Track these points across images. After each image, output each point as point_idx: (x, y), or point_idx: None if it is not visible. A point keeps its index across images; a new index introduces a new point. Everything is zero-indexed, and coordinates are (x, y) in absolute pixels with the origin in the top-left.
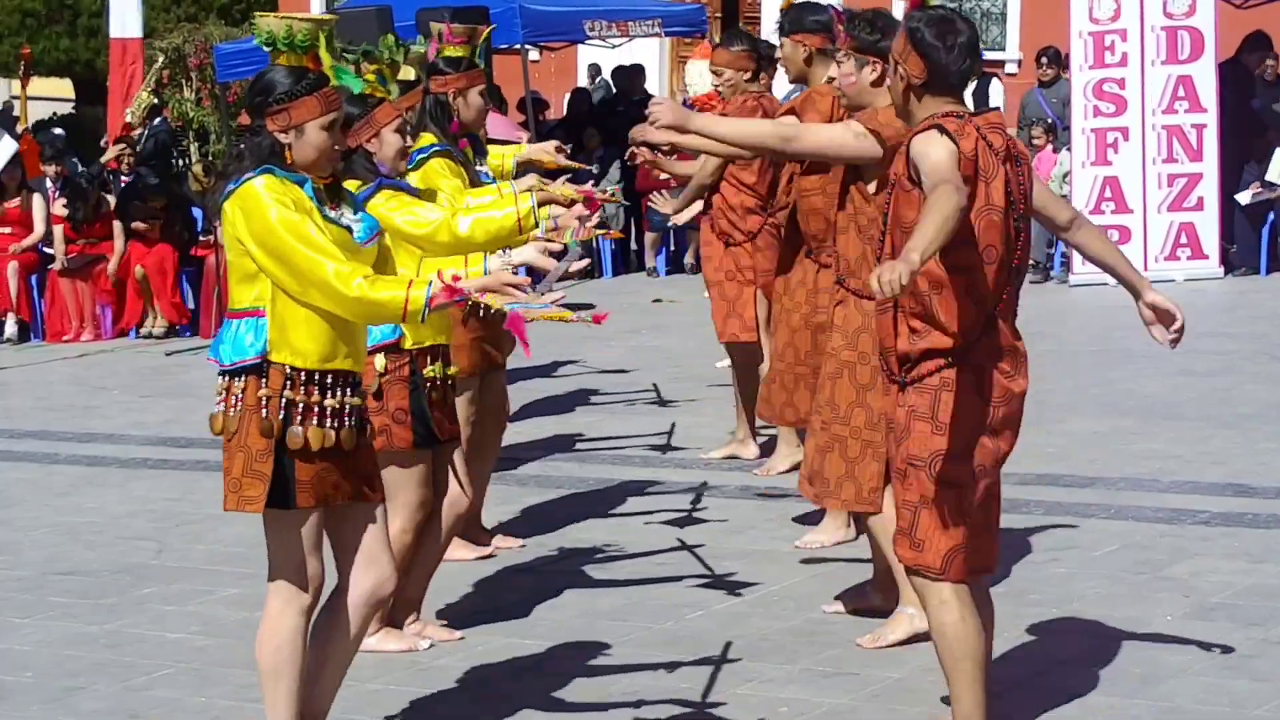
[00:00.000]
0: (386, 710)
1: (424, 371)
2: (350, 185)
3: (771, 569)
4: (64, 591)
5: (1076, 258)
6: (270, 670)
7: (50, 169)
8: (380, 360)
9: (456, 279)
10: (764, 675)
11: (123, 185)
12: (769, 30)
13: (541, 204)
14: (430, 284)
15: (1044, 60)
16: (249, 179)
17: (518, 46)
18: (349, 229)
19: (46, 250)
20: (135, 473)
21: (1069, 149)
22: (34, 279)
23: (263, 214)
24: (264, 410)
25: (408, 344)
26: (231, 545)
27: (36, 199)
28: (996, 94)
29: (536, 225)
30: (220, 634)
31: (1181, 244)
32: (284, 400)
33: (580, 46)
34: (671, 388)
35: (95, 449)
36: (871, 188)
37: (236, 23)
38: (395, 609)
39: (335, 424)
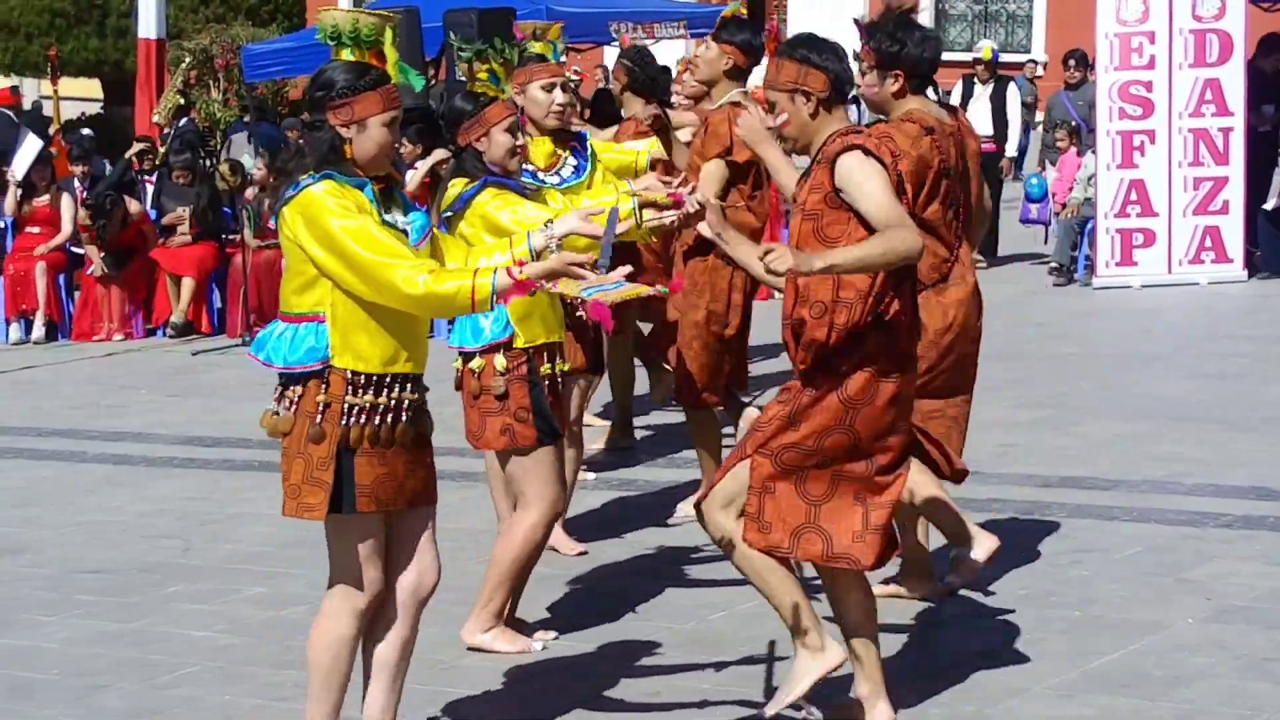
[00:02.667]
0: (408, 709)
1: (540, 369)
2: (459, 183)
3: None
4: (89, 590)
5: (1101, 260)
6: (318, 668)
7: (78, 169)
8: (500, 360)
9: (520, 263)
10: (785, 675)
11: (156, 179)
12: (795, 32)
13: (643, 206)
14: (495, 271)
15: (1071, 62)
16: (308, 185)
17: None
18: (405, 232)
19: (75, 250)
20: (161, 472)
21: (1094, 151)
22: (62, 279)
23: (324, 220)
24: (319, 417)
25: (520, 343)
26: (256, 544)
27: (65, 199)
28: (1013, 97)
29: (639, 226)
30: (244, 633)
31: (1206, 247)
32: (345, 405)
33: (606, 48)
34: None
35: (121, 448)
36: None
37: (264, 24)
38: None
39: (390, 420)
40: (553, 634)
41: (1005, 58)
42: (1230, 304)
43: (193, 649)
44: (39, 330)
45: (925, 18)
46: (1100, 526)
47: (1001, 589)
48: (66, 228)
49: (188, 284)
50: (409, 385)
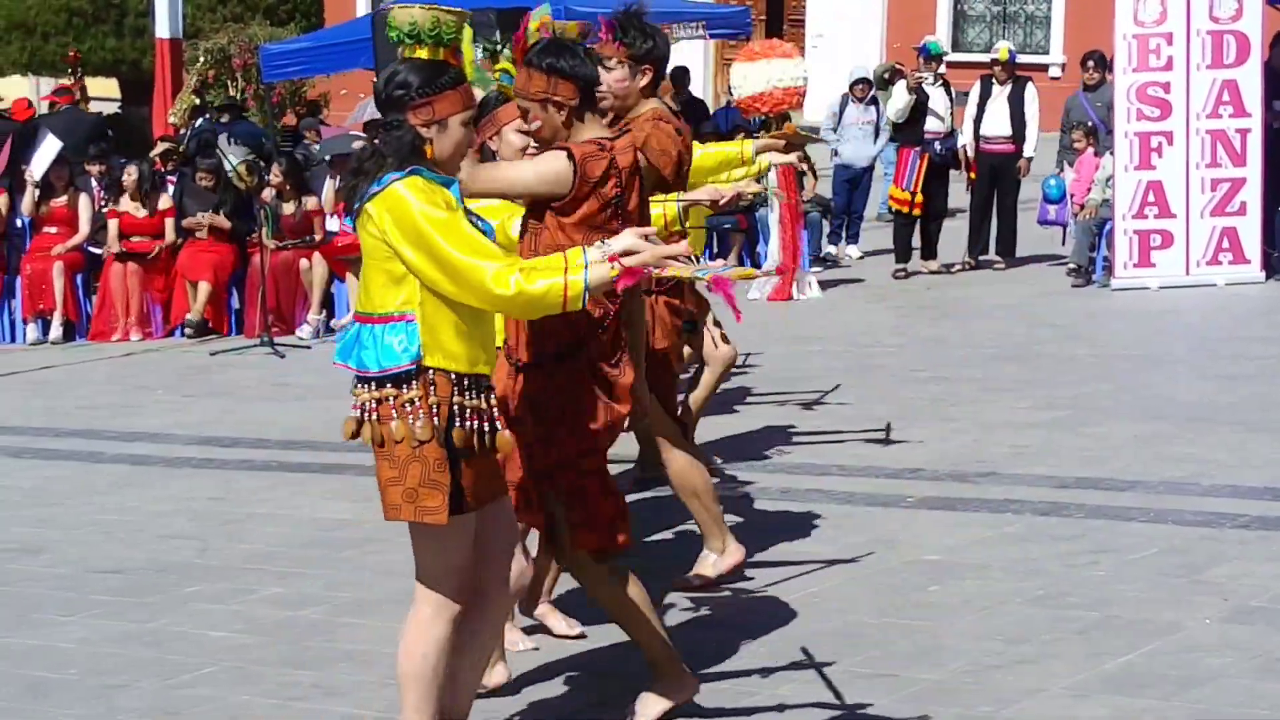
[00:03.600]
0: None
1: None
2: None
3: (811, 571)
4: (106, 590)
5: (1119, 262)
6: (412, 676)
7: (95, 168)
8: None
9: (614, 258)
10: (804, 677)
11: (177, 179)
12: (814, 33)
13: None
14: (586, 268)
15: (1090, 64)
16: (395, 181)
17: None
18: (486, 231)
19: (93, 250)
20: (178, 472)
21: (1112, 153)
22: (79, 279)
23: (413, 216)
24: (435, 418)
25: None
26: (273, 545)
27: (83, 199)
28: (1031, 98)
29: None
30: (262, 633)
31: (1224, 249)
32: (455, 407)
33: None
34: None
35: (138, 448)
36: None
37: (281, 23)
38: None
39: (487, 425)
40: (578, 628)
41: (1023, 59)
42: (1248, 305)
43: (210, 649)
44: (56, 330)
45: (944, 17)
46: (1116, 527)
47: (1017, 589)
48: (83, 228)
49: (204, 286)
50: (489, 389)
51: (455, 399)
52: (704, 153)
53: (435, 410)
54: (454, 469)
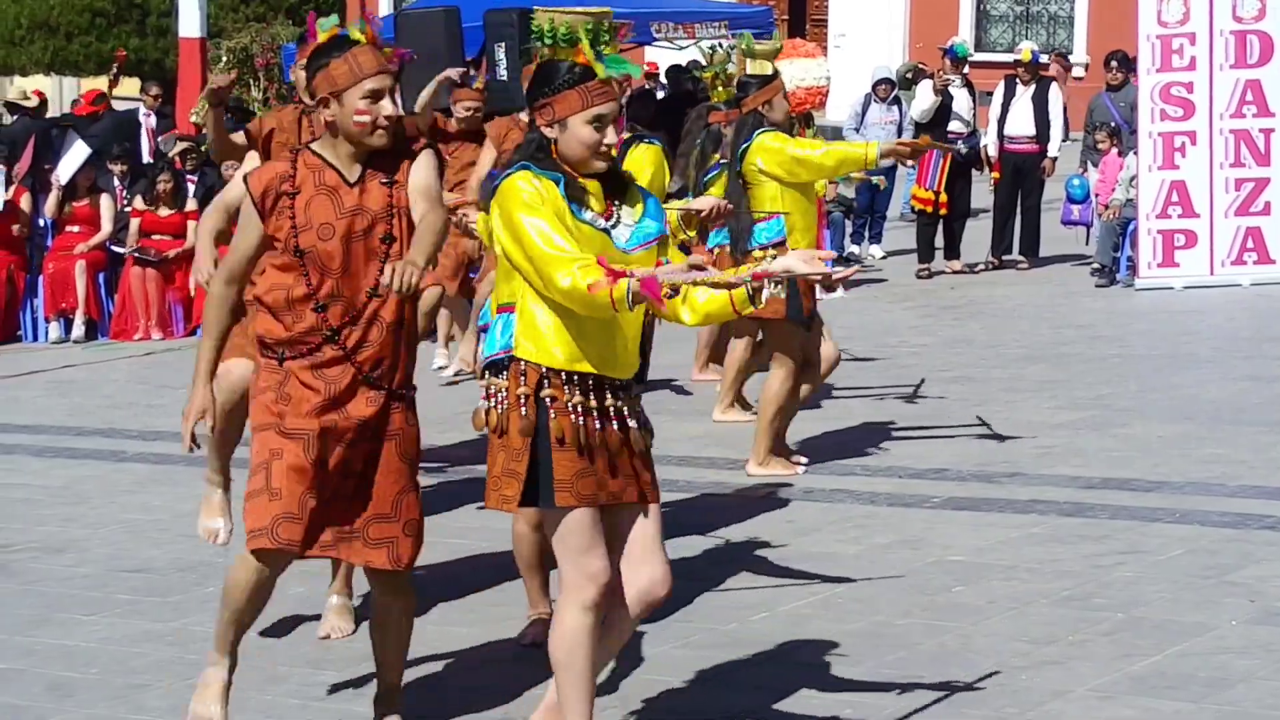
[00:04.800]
0: (439, 706)
1: None
2: None
3: (835, 571)
4: (130, 589)
5: (1143, 262)
6: (555, 665)
7: (117, 168)
8: None
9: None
10: (828, 678)
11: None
12: (836, 33)
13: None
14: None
15: (1113, 64)
16: (509, 174)
17: None
18: (606, 231)
19: (115, 249)
20: (201, 471)
21: (1136, 153)
22: (101, 278)
23: (511, 208)
24: (523, 408)
25: None
26: None
27: (104, 198)
28: (1055, 98)
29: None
30: (285, 632)
31: (1248, 249)
32: (542, 397)
33: (647, 48)
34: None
35: (161, 447)
36: None
37: (304, 23)
38: None
39: (595, 423)
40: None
41: (1046, 59)
42: (1273, 305)
43: None
44: (79, 329)
45: (967, 17)
46: (1143, 528)
47: (1044, 590)
48: (106, 227)
49: None
50: (605, 387)
51: (544, 391)
52: (826, 151)
53: (523, 401)
54: (544, 462)
